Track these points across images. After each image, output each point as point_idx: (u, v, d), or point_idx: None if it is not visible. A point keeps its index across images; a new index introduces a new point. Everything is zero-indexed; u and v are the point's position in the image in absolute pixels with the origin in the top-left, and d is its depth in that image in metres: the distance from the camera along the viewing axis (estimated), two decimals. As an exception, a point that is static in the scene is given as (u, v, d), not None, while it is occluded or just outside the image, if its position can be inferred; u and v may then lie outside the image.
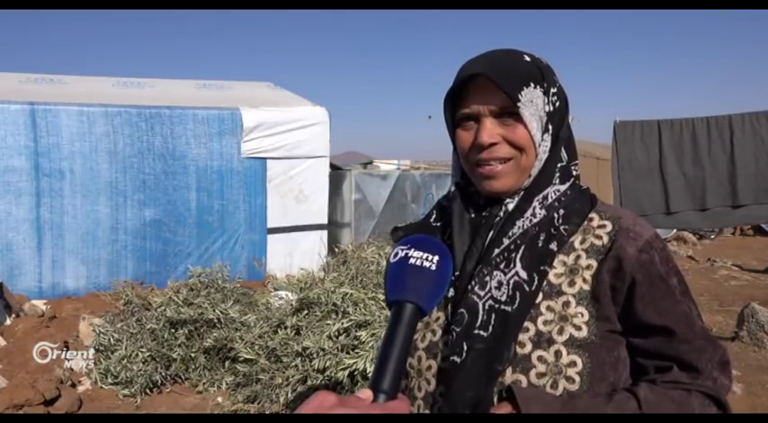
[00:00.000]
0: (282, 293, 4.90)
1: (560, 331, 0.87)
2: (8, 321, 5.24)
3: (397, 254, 0.77)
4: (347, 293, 3.88)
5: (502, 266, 0.90)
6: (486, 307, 0.89)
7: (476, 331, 0.88)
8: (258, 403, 3.62)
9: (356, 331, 3.55)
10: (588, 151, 12.00)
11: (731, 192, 6.37)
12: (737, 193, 6.34)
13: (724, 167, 6.38)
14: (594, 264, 0.90)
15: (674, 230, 11.38)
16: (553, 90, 0.93)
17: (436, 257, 0.74)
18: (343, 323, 3.62)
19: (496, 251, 0.91)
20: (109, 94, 6.95)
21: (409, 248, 0.76)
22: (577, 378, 0.85)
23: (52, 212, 6.12)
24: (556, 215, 0.93)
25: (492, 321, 0.88)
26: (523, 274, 0.89)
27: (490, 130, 0.90)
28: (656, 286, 0.88)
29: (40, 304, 5.65)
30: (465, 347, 0.88)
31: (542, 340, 0.87)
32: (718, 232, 12.16)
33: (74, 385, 4.12)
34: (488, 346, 0.87)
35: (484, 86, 0.89)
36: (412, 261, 0.74)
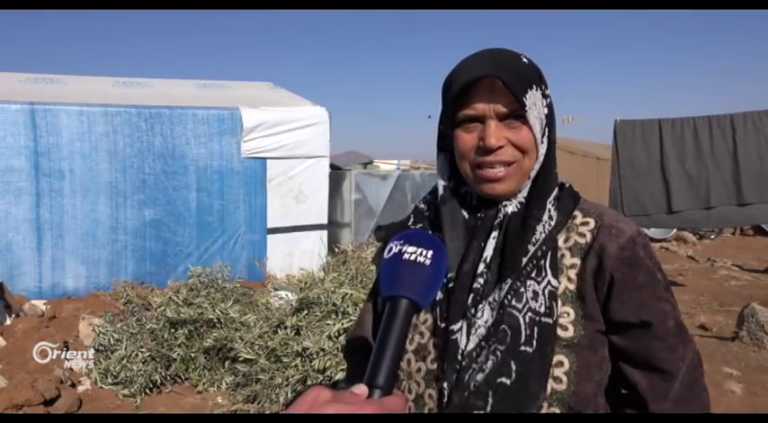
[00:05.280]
0: (282, 293, 4.90)
1: None
2: (8, 321, 5.24)
3: (390, 249, 0.76)
4: (347, 294, 3.88)
5: (533, 275, 0.88)
6: (527, 320, 0.86)
7: (522, 348, 0.85)
8: (258, 403, 3.62)
9: (356, 331, 3.55)
10: (588, 151, 12.00)
11: (736, 190, 6.33)
12: (742, 191, 6.31)
13: (728, 166, 6.35)
14: (578, 262, 0.89)
15: (675, 230, 11.38)
16: (547, 92, 0.93)
17: (430, 252, 0.74)
18: (343, 323, 3.62)
19: (524, 260, 0.88)
20: (109, 94, 6.95)
21: (403, 244, 0.76)
22: (564, 378, 0.85)
23: (52, 212, 6.12)
24: (556, 215, 0.93)
25: (535, 335, 0.85)
26: (554, 282, 0.88)
27: (497, 132, 0.88)
28: (635, 283, 0.88)
29: (40, 304, 5.65)
30: (513, 367, 0.85)
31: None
32: (719, 232, 12.15)
33: (74, 385, 4.12)
34: (532, 365, 0.85)
35: (490, 88, 0.87)
36: (406, 256, 0.74)
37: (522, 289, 0.87)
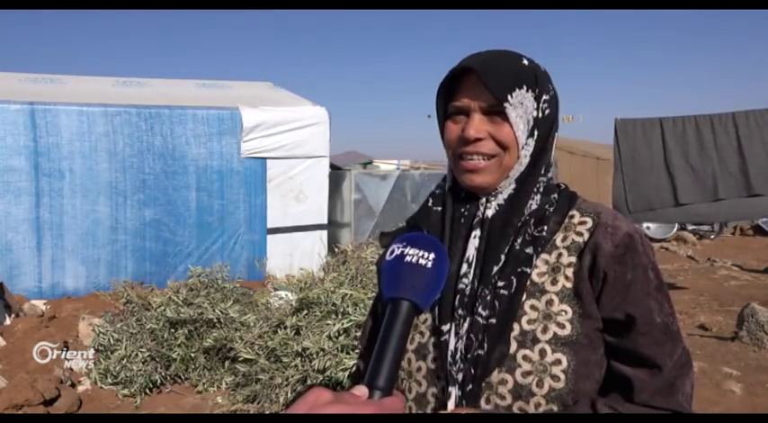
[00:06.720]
0: (282, 293, 4.90)
1: (544, 330, 0.87)
2: (8, 321, 5.24)
3: (392, 251, 0.77)
4: (347, 294, 3.88)
5: (500, 284, 0.90)
6: (481, 323, 0.89)
7: (478, 352, 0.88)
8: (258, 403, 3.62)
9: (356, 331, 3.55)
10: (588, 151, 12.01)
11: (744, 182, 6.28)
12: (751, 182, 6.25)
13: (734, 160, 6.31)
14: (575, 261, 0.90)
15: (675, 230, 11.40)
16: (545, 97, 0.94)
17: (432, 255, 0.74)
18: (343, 323, 3.62)
19: (495, 269, 0.91)
20: (108, 94, 6.95)
21: (405, 246, 0.76)
22: (562, 376, 0.85)
23: (52, 212, 6.12)
24: (534, 220, 0.93)
25: (485, 336, 0.88)
26: (501, 282, 0.90)
27: (477, 124, 0.91)
28: (625, 280, 0.88)
29: (40, 304, 5.65)
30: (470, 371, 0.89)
31: (527, 339, 0.87)
32: (718, 232, 12.16)
33: (73, 385, 4.12)
34: (486, 359, 0.88)
35: (477, 82, 0.90)
36: (408, 259, 0.74)
37: (489, 297, 0.90)
